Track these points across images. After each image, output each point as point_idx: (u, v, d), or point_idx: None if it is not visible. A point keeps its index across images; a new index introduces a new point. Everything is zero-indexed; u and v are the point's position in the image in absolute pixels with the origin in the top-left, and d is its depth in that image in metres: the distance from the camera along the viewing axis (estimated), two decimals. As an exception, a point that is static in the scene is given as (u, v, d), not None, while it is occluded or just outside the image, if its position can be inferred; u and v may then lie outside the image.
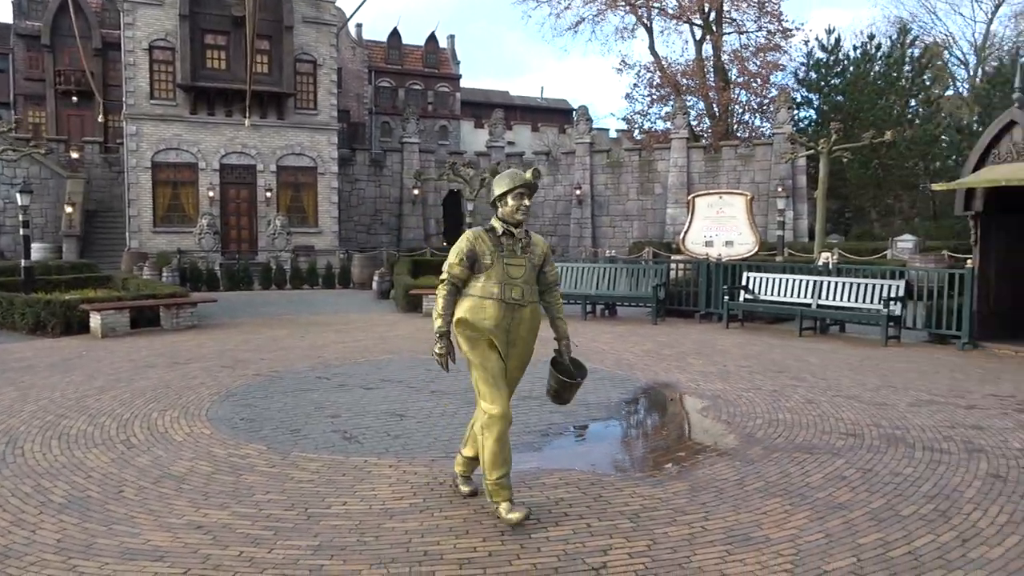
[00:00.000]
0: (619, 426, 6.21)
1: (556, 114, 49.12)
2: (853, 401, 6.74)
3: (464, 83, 46.90)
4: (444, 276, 4.00)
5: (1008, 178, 9.16)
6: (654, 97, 37.67)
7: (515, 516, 3.81)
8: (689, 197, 16.07)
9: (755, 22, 36.68)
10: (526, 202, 3.98)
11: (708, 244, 13.95)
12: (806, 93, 35.78)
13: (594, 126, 36.19)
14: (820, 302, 11.19)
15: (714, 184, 28.73)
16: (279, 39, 26.78)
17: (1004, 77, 31.27)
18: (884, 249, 21.40)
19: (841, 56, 35.13)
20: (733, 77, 36.60)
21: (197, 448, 5.25)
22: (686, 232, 14.50)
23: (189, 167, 26.42)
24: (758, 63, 36.46)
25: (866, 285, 10.81)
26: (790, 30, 36.53)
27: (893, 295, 10.34)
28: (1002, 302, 10.09)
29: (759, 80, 36.57)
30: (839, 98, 33.97)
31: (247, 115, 26.08)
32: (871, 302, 10.61)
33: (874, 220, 33.40)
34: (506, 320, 3.96)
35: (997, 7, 41.47)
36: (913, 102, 34.58)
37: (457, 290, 4.00)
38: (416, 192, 31.51)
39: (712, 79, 36.46)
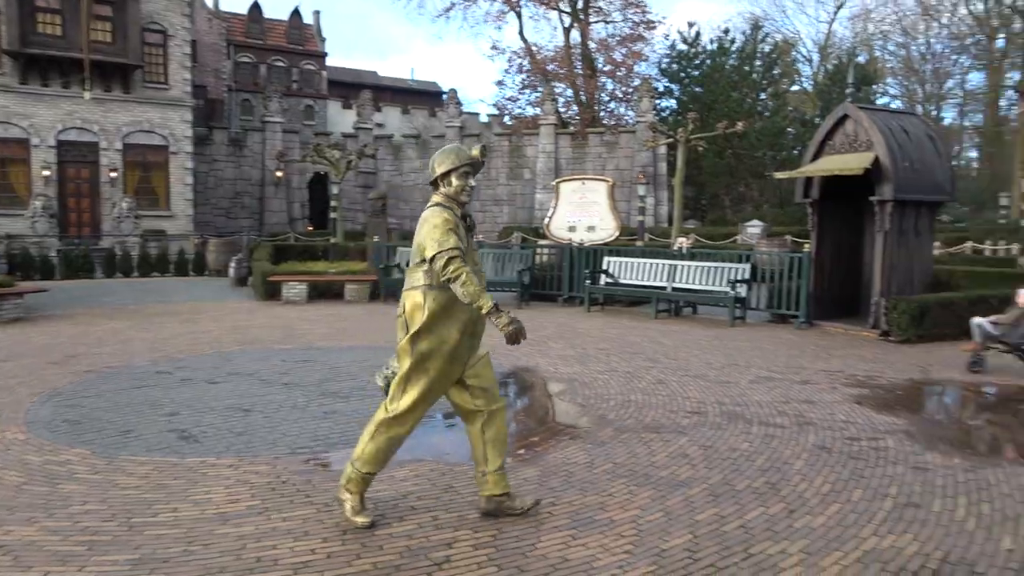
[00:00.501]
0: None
1: (426, 97, 48.56)
2: (700, 380, 7.05)
3: (331, 62, 45.42)
4: (451, 254, 3.34)
5: (841, 168, 9.88)
6: (524, 83, 38.03)
7: (361, 520, 3.62)
8: (554, 182, 16.30)
9: (621, 12, 37.75)
10: (471, 182, 3.63)
11: (571, 229, 14.20)
12: (668, 84, 37.30)
13: (465, 110, 36.07)
14: (675, 285, 11.66)
15: (581, 170, 29.38)
16: (123, 5, 24.71)
17: (842, 74, 33.89)
18: (736, 234, 22.68)
19: (700, 49, 36.86)
20: (600, 66, 37.52)
21: (7, 456, 4.71)
22: (551, 217, 14.70)
23: (19, 143, 23.98)
24: (623, 53, 37.57)
25: (715, 269, 11.37)
26: (653, 22, 37.91)
27: (739, 278, 10.94)
28: (835, 283, 10.89)
29: (624, 69, 37.71)
30: (698, 89, 35.65)
31: (86, 87, 23.95)
32: (720, 285, 11.17)
33: (727, 207, 35.39)
34: (475, 312, 3.52)
35: (837, 9, 44.89)
36: (763, 95, 36.86)
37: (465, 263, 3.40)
38: (279, 174, 30.21)
39: (579, 67, 37.20)
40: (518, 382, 7.19)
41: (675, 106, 36.37)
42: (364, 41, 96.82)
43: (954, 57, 42.48)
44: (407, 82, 51.12)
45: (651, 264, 12.19)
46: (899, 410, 6.02)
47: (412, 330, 3.52)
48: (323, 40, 44.63)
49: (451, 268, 3.34)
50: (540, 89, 34.70)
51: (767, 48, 37.66)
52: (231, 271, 16.71)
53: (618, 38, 37.65)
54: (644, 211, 24.54)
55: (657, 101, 34.92)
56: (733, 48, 36.50)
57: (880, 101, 38.03)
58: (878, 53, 44.89)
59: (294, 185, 31.52)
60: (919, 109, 41.99)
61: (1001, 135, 37.89)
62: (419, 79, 52.83)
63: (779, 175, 11.10)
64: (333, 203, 25.04)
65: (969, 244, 19.55)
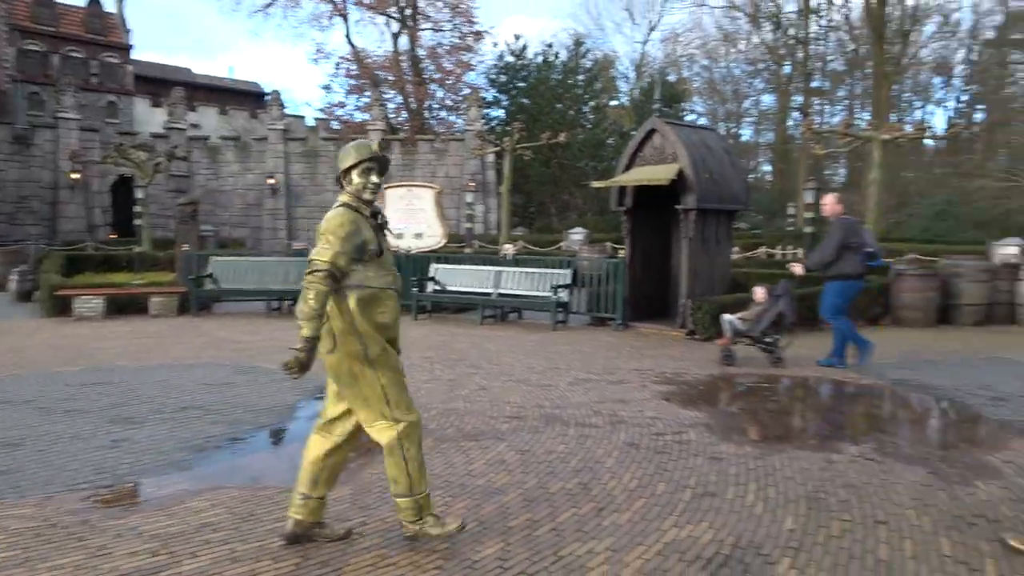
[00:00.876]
0: (290, 432, 5.83)
1: (247, 97, 46.18)
2: (522, 385, 7.14)
3: (139, 56, 42.01)
4: (323, 268, 3.18)
5: (650, 178, 10.47)
6: (352, 88, 37.26)
7: (454, 526, 3.52)
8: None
9: (450, 21, 38.04)
10: (374, 178, 3.42)
11: (399, 236, 14.01)
12: (496, 94, 38.07)
13: (290, 112, 34.71)
14: (500, 291, 11.82)
15: (411, 177, 29.19)
16: None
17: (655, 91, 36.24)
18: (561, 241, 23.50)
19: (526, 62, 37.98)
20: (429, 73, 37.58)
21: None
22: (377, 224, 14.41)
23: None
24: (452, 62, 37.89)
25: (539, 275, 11.66)
26: (481, 33, 38.52)
27: (561, 283, 11.29)
28: (648, 287, 11.53)
29: (453, 78, 38.03)
30: (524, 100, 36.69)
31: None
32: (543, 290, 11.47)
33: (553, 214, 36.69)
34: (395, 313, 3.50)
35: (650, 31, 48.07)
36: (586, 108, 38.63)
37: (337, 285, 3.25)
38: (75, 176, 27.40)
39: (409, 74, 37.03)
40: (337, 395, 6.92)
41: (503, 116, 37.19)
42: (176, 36, 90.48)
43: (749, 80, 46.89)
44: (225, 81, 48.35)
45: (478, 271, 12.28)
46: (701, 404, 6.43)
47: (354, 335, 3.32)
48: (128, 31, 41.13)
49: (309, 279, 3.19)
50: (368, 94, 34.15)
51: (589, 64, 39.52)
52: (12, 284, 14.85)
53: (447, 47, 37.94)
54: (473, 218, 24.83)
55: (486, 111, 35.54)
56: (557, 62, 37.95)
57: (688, 118, 41.08)
58: (686, 73, 48.52)
59: (94, 189, 28.74)
60: (721, 126, 45.85)
61: (789, 152, 42.23)
62: (239, 78, 50.18)
63: (596, 184, 11.64)
64: (139, 209, 23.06)
65: (763, 249, 21.53)
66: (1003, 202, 26.22)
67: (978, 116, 38.45)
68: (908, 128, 19.21)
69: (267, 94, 34.98)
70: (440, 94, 38.65)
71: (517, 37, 38.90)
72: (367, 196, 3.43)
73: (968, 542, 3.56)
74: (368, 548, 3.50)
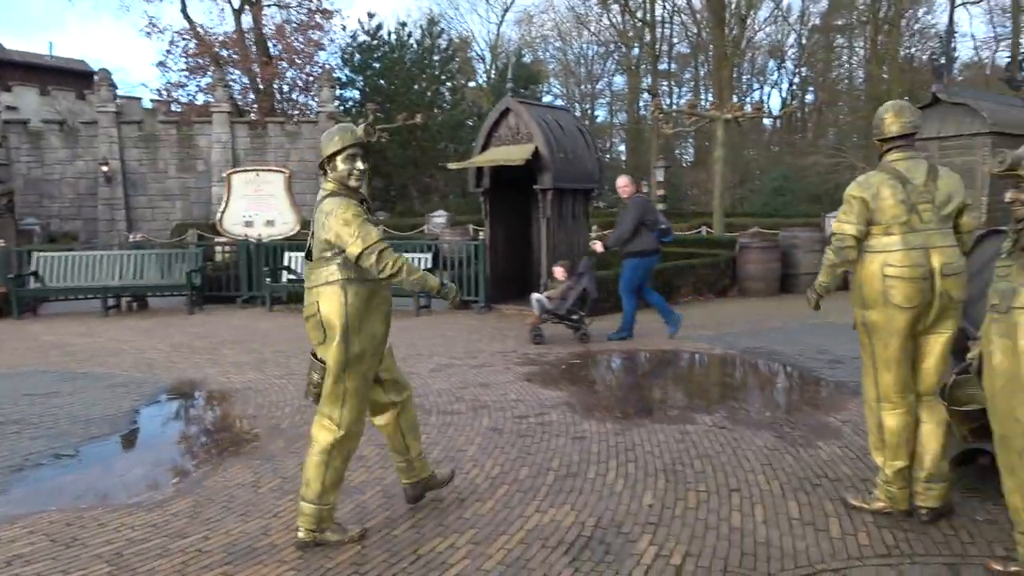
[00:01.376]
0: (123, 442, 5.30)
1: (73, 76, 42.04)
2: (382, 374, 6.90)
3: (-64, 28, 37.13)
4: (380, 247, 3.13)
5: (506, 158, 10.41)
6: (191, 67, 34.83)
7: (355, 532, 3.43)
8: (225, 174, 15.10)
9: (296, -2, 36.29)
10: (360, 164, 3.34)
11: (248, 224, 13.25)
12: (351, 74, 36.88)
13: (124, 93, 32.01)
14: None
15: (263, 161, 27.72)
16: None
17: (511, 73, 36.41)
18: (423, 224, 23.18)
19: (381, 41, 37.00)
20: (278, 53, 35.77)
21: None
22: (223, 212, 13.58)
23: None
24: (302, 40, 36.24)
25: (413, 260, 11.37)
26: (330, 11, 37.05)
27: (422, 267, 11.06)
28: (510, 267, 11.53)
29: (303, 58, 36.40)
30: (380, 81, 35.78)
31: None
32: (405, 275, 11.19)
33: (415, 197, 36.19)
34: (390, 300, 3.50)
35: (504, 12, 48.21)
36: (443, 89, 38.23)
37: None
38: None
39: (255, 52, 35.09)
40: (181, 398, 6.40)
41: (359, 97, 36.12)
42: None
43: (602, 62, 48.20)
44: (45, 58, 43.80)
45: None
46: (563, 384, 6.47)
47: (339, 331, 3.21)
48: (-78, 1, 36.28)
49: (388, 262, 3.14)
50: (211, 74, 32.06)
51: (444, 44, 39.10)
52: None
53: (295, 24, 36.25)
54: (331, 203, 23.91)
55: (341, 91, 34.33)
56: (411, 42, 37.26)
57: (545, 99, 41.72)
58: (541, 55, 49.15)
59: None
60: (577, 107, 46.89)
61: (641, 132, 43.84)
62: (61, 55, 45.62)
63: (452, 166, 11.50)
64: (-54, 201, 20.48)
65: (620, 226, 22.24)
66: (833, 177, 28.46)
67: (809, 97, 41.66)
68: (748, 108, 20.38)
69: (95, 73, 31.97)
70: (291, 74, 36.95)
71: (371, 15, 37.58)
72: (352, 183, 3.34)
73: (813, 503, 3.75)
74: (210, 566, 3.20)
